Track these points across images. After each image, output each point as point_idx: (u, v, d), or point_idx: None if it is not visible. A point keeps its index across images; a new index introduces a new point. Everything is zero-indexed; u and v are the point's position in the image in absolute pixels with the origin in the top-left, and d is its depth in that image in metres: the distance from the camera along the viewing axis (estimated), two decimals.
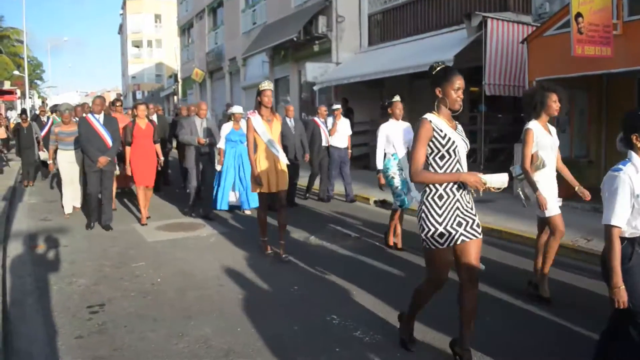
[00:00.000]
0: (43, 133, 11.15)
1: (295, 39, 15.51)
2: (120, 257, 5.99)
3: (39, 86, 50.04)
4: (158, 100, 34.70)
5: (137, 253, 6.15)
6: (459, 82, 3.25)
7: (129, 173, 7.64)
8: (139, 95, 51.14)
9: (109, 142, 7.18)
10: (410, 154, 3.08)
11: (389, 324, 3.99)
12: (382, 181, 6.12)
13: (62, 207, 8.32)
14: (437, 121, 3.16)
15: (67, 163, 8.17)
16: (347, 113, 14.54)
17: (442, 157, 3.13)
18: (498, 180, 3.05)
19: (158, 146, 7.83)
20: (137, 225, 7.66)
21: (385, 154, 6.08)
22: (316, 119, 9.61)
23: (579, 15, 7.22)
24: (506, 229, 6.93)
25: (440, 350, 3.59)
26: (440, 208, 3.12)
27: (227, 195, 8.25)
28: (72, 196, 8.35)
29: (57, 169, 8.40)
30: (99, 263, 5.72)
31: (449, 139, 3.13)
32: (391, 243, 6.28)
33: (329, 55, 15.29)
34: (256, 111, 5.71)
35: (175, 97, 33.55)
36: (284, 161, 5.80)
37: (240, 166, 8.22)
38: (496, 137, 11.28)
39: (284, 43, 16.31)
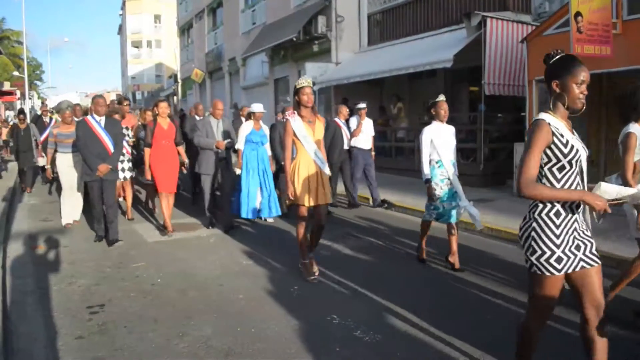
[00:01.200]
0: (43, 137, 10.28)
1: (294, 39, 15.52)
2: (121, 257, 5.99)
3: (39, 87, 50.02)
4: None
5: (138, 253, 6.15)
6: (583, 74, 2.76)
7: (149, 177, 7.02)
8: (138, 96, 51.17)
9: (111, 147, 6.37)
10: (521, 161, 2.55)
11: (389, 324, 3.99)
12: (431, 192, 5.34)
13: (61, 216, 7.67)
14: (556, 123, 2.62)
15: (67, 167, 7.51)
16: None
17: (561, 169, 2.61)
18: (628, 193, 2.64)
19: (181, 148, 7.19)
20: (137, 225, 7.66)
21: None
22: (337, 120, 8.90)
23: (578, 14, 7.23)
24: (506, 229, 6.93)
25: (441, 350, 3.59)
26: (557, 227, 2.60)
27: (254, 201, 7.48)
28: (71, 205, 7.62)
29: (57, 174, 7.77)
30: (99, 263, 5.72)
31: (572, 146, 2.59)
32: (422, 256, 5.66)
33: (328, 55, 15.30)
34: (295, 112, 5.00)
35: (175, 98, 33.55)
36: (326, 172, 5.04)
37: (263, 170, 7.57)
38: (496, 136, 11.28)
39: (284, 43, 16.32)
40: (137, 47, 53.97)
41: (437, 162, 5.33)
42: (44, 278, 5.17)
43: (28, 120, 13.14)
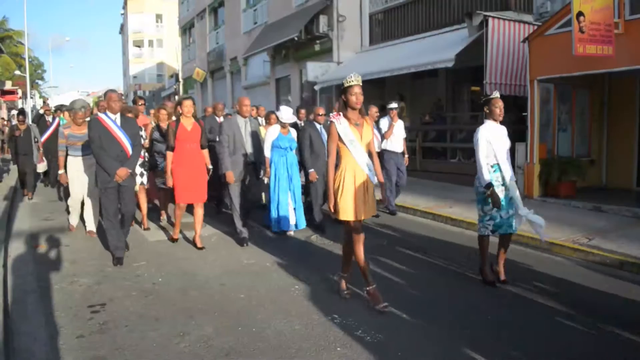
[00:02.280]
0: (45, 137, 9.60)
1: (296, 38, 15.51)
2: None
3: (41, 86, 50.10)
4: (159, 100, 34.72)
5: (139, 252, 6.15)
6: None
7: (171, 185, 6.22)
8: (140, 95, 51.18)
9: (129, 148, 5.60)
10: None
11: (390, 324, 3.99)
12: (498, 198, 4.75)
13: (68, 221, 7.29)
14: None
15: (78, 172, 6.76)
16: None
17: None
18: None
19: (206, 152, 6.32)
20: (138, 225, 7.63)
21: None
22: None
23: (580, 14, 7.22)
24: None
25: (443, 350, 3.58)
26: None
27: (285, 212, 6.88)
28: (79, 213, 7.12)
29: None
30: (101, 262, 5.72)
31: None
32: (490, 278, 4.95)
33: (330, 54, 15.29)
34: (341, 114, 4.37)
35: (177, 97, 33.56)
36: (374, 181, 4.44)
37: (290, 177, 6.99)
38: None
39: (285, 42, 16.31)
40: (139, 46, 53.99)
41: (492, 166, 4.86)
42: (45, 277, 5.17)
43: (29, 121, 12.62)
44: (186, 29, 31.15)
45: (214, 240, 6.79)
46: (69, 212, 7.34)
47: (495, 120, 4.90)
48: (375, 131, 7.88)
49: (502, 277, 4.98)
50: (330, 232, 7.02)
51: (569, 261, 5.82)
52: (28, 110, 26.77)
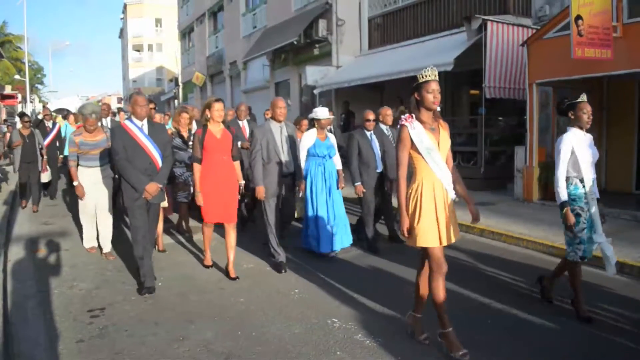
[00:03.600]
0: (46, 142, 9.30)
1: (295, 42, 15.54)
2: (121, 261, 5.98)
3: (40, 90, 50.14)
4: (159, 105, 34.74)
5: None
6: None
7: (200, 203, 5.28)
8: None
9: (159, 160, 4.85)
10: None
11: (390, 328, 3.99)
12: (572, 219, 4.16)
13: (82, 240, 6.51)
14: None
15: (91, 185, 6.06)
16: (348, 116, 14.55)
17: None
18: None
19: (238, 164, 5.44)
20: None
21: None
22: (382, 126, 6.88)
23: (578, 17, 7.23)
24: (507, 232, 6.92)
25: (442, 354, 3.58)
26: None
27: (325, 230, 5.97)
28: (93, 232, 6.33)
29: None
30: (100, 267, 5.72)
31: None
32: (586, 313, 4.18)
33: (329, 58, 15.32)
34: (413, 116, 3.69)
35: (176, 101, 33.59)
36: (451, 196, 3.64)
37: (329, 189, 6.07)
38: (496, 139, 11.27)
39: (285, 46, 16.35)
40: (138, 50, 54.10)
41: (579, 180, 4.21)
42: (45, 281, 5.17)
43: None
44: (185, 33, 31.23)
45: (213, 244, 6.74)
46: (81, 233, 6.56)
47: (581, 127, 4.30)
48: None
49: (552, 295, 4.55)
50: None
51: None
52: (28, 114, 26.76)
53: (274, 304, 4.56)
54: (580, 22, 7.25)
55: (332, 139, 6.33)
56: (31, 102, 37.08)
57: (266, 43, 17.94)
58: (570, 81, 8.51)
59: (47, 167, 9.01)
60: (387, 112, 6.59)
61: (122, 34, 60.50)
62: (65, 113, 13.01)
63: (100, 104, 10.71)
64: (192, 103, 28.34)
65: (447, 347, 3.54)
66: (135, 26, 52.78)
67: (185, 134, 6.85)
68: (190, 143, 6.55)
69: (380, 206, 6.64)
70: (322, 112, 6.09)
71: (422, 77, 3.68)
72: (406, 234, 3.55)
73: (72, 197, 7.53)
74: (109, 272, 5.55)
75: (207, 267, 5.64)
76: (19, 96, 30.10)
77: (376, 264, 5.81)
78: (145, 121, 4.85)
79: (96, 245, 6.33)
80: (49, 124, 10.56)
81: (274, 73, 19.09)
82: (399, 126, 3.70)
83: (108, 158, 6.10)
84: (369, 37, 15.28)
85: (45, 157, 8.98)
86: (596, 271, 5.18)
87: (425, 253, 3.63)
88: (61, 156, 9.71)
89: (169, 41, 47.13)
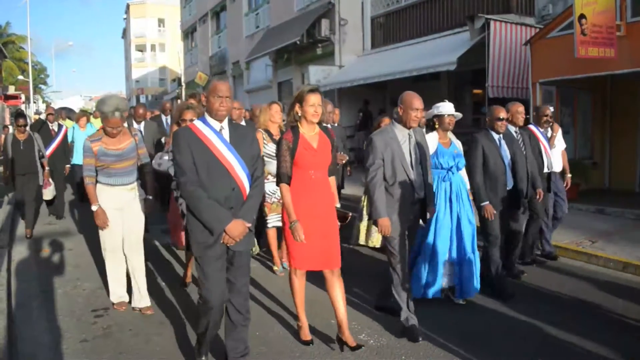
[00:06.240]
0: (51, 149, 7.82)
1: (298, 42, 15.53)
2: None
3: (43, 91, 50.29)
4: (160, 104, 34.80)
5: None
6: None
7: (300, 240, 3.49)
8: (142, 100, 51.31)
9: (246, 184, 3.19)
10: None
11: (394, 327, 3.98)
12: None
13: (106, 289, 4.64)
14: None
15: (116, 211, 4.27)
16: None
17: None
18: None
19: (333, 181, 3.81)
20: None
21: None
22: (533, 127, 5.67)
23: (582, 16, 7.22)
24: None
25: (445, 355, 3.58)
26: None
27: (444, 270, 4.44)
28: (122, 278, 4.49)
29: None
30: (104, 267, 5.71)
31: None
32: None
33: (332, 58, 15.33)
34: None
35: (179, 101, 33.65)
36: None
37: (458, 214, 4.43)
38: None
39: (287, 46, 16.35)
40: (141, 50, 54.15)
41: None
42: (49, 281, 5.18)
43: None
44: (188, 33, 31.25)
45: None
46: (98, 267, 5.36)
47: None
48: (544, 140, 5.67)
49: None
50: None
51: (572, 262, 5.80)
52: (31, 114, 26.88)
53: (277, 304, 4.55)
54: (583, 21, 7.23)
55: (459, 144, 4.62)
56: (34, 102, 37.18)
57: (269, 43, 17.95)
58: (574, 80, 8.49)
59: (50, 180, 7.38)
60: (519, 109, 5.12)
61: (125, 34, 60.57)
62: (66, 112, 11.93)
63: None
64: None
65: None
66: (138, 26, 52.83)
67: (277, 137, 5.05)
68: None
69: (508, 234, 5.03)
70: (447, 107, 4.47)
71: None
72: None
73: (84, 216, 6.23)
74: None
75: (306, 343, 3.72)
76: (23, 96, 30.17)
77: (379, 264, 5.80)
78: (226, 122, 3.21)
79: (127, 298, 4.48)
80: (54, 126, 8.77)
81: (277, 73, 19.10)
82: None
83: (139, 172, 4.44)
84: (372, 37, 15.27)
85: (47, 168, 7.24)
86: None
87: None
88: (68, 166, 8.46)
89: (172, 41, 47.22)
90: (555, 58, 8.41)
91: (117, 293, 4.47)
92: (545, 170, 5.55)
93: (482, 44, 10.05)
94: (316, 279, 5.08)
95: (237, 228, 3.08)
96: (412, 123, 3.84)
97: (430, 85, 13.66)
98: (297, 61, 17.34)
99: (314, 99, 3.47)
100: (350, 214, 3.93)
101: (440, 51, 11.37)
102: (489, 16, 10.19)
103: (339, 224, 3.72)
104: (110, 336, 3.90)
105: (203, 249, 3.14)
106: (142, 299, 4.39)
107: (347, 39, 15.19)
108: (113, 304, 4.46)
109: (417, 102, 3.80)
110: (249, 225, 3.18)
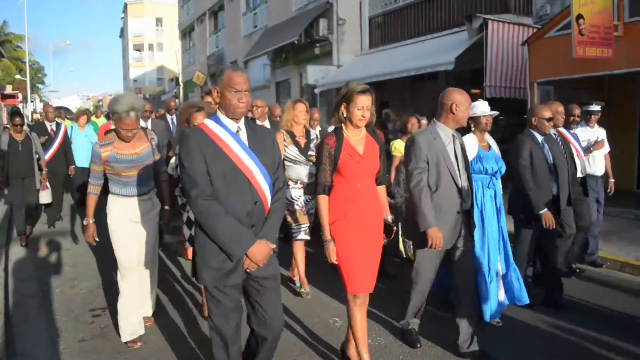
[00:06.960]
0: (51, 153, 7.38)
1: (296, 42, 15.53)
2: None
3: (41, 90, 50.17)
4: (159, 104, 34.78)
5: None
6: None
7: (333, 259, 3.19)
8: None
9: (268, 196, 2.66)
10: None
11: (392, 327, 3.98)
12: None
13: (119, 330, 3.83)
14: None
15: (131, 223, 3.81)
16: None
17: None
18: None
19: (383, 190, 3.39)
20: None
21: None
22: (562, 129, 5.13)
23: (580, 16, 7.23)
24: None
25: (443, 355, 3.58)
26: None
27: (495, 286, 4.01)
28: (136, 309, 3.87)
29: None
30: (102, 266, 5.72)
31: None
32: None
33: (330, 58, 15.32)
34: None
35: (177, 101, 33.60)
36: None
37: (502, 227, 4.13)
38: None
39: (285, 46, 16.34)
40: (139, 50, 54.07)
41: None
42: (46, 281, 5.18)
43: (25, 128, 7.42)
44: (186, 32, 31.24)
45: None
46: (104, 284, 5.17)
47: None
48: (576, 142, 5.26)
49: None
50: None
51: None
52: (28, 114, 26.84)
53: None
54: (581, 21, 7.24)
55: (496, 148, 4.30)
56: (32, 101, 37.11)
57: (267, 42, 17.94)
58: (571, 80, 8.50)
59: (47, 184, 6.95)
60: (559, 109, 4.76)
61: (123, 33, 60.48)
62: (64, 112, 11.54)
63: (100, 104, 9.39)
64: None
65: None
66: (135, 26, 52.76)
67: (301, 139, 4.65)
68: (311, 153, 4.55)
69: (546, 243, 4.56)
70: (482, 107, 4.10)
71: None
72: None
73: (82, 216, 5.29)
74: (111, 271, 5.54)
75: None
76: (20, 96, 30.09)
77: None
78: (242, 121, 2.67)
79: (142, 331, 3.86)
80: (52, 125, 8.00)
81: (275, 72, 19.09)
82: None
83: (154, 181, 3.98)
84: (370, 37, 15.27)
85: (44, 170, 6.82)
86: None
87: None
88: (72, 167, 7.91)
89: (170, 41, 47.16)
90: (552, 58, 8.42)
91: (130, 329, 3.76)
92: (579, 174, 5.13)
93: (479, 43, 10.06)
94: (316, 279, 5.09)
95: (262, 251, 2.56)
96: (461, 121, 3.48)
97: (428, 85, 13.68)
98: (295, 61, 17.34)
99: (363, 101, 3.08)
100: (395, 228, 3.44)
101: (438, 51, 11.37)
102: (486, 16, 10.19)
103: (385, 239, 3.28)
104: (108, 336, 3.90)
105: (218, 279, 2.60)
106: (146, 310, 4.08)
107: (345, 39, 15.18)
108: (125, 343, 3.73)
109: (464, 102, 3.46)
110: (274, 246, 2.64)
